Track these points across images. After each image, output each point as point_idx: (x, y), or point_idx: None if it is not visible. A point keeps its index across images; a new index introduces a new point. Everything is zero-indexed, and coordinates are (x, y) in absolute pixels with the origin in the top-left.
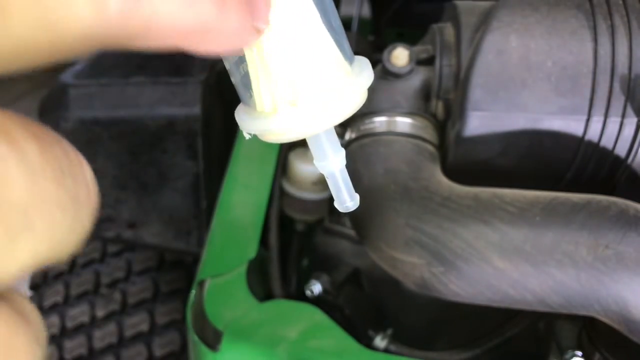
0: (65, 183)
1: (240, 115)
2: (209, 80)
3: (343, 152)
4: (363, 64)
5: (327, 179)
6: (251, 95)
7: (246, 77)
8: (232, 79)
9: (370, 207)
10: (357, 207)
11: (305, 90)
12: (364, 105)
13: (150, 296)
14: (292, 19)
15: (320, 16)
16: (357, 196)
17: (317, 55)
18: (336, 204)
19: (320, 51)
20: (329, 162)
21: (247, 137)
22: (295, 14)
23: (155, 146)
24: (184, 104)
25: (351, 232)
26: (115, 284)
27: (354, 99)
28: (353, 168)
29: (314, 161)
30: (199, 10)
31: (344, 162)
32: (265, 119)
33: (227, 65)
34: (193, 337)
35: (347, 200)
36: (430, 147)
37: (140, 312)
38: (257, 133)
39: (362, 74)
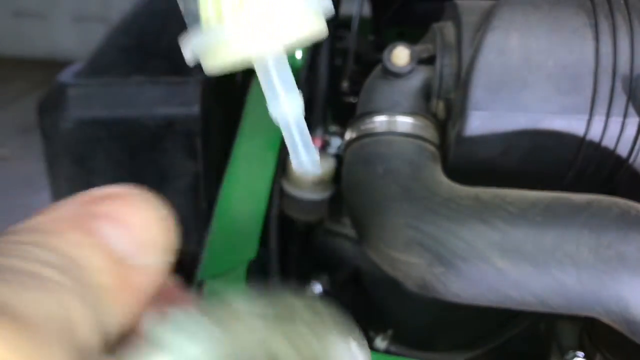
0: None
1: (185, 39)
2: (209, 80)
3: (299, 97)
4: None
5: (281, 129)
6: (197, 10)
7: None
8: (180, 6)
9: (370, 207)
10: (315, 169)
11: None
12: (364, 105)
13: None
14: None
15: None
16: (317, 155)
17: None
18: (292, 160)
19: None
20: (281, 104)
21: (191, 63)
22: None
23: (154, 146)
24: (184, 103)
25: (351, 233)
26: None
27: (302, 20)
28: (353, 168)
29: (267, 106)
30: None
31: (300, 109)
32: (208, 32)
33: None
34: None
35: (303, 156)
36: (430, 147)
37: None
38: (200, 51)
39: None
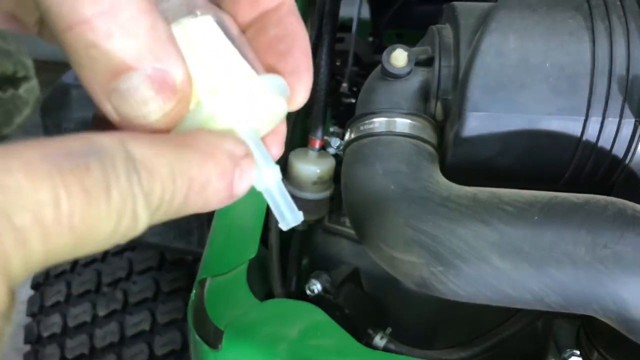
0: None
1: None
2: None
3: (277, 166)
4: (275, 77)
5: (264, 195)
6: None
7: None
8: None
9: (370, 207)
10: (298, 223)
11: (219, 82)
12: (363, 106)
13: (151, 295)
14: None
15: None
16: (300, 213)
17: (223, 57)
18: (279, 222)
19: (226, 54)
20: (262, 175)
21: None
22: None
23: None
24: None
25: (351, 232)
26: (116, 283)
27: (268, 102)
28: (352, 168)
29: None
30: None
31: (279, 176)
32: (187, 116)
33: None
34: (194, 336)
35: (287, 216)
36: (429, 148)
37: (142, 311)
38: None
39: (271, 79)
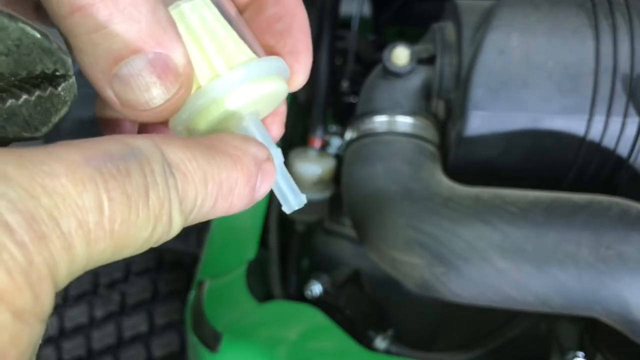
0: None
1: (172, 120)
2: None
3: (279, 149)
4: (275, 59)
5: None
6: None
7: None
8: None
9: (371, 207)
10: (302, 206)
11: (220, 66)
12: (364, 105)
13: (149, 297)
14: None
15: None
16: (303, 195)
17: (222, 39)
18: (283, 206)
19: (225, 36)
20: None
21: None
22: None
23: None
24: None
25: (351, 233)
26: (114, 285)
27: (269, 83)
28: (353, 168)
29: None
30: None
31: (281, 158)
32: (187, 102)
33: None
34: (192, 338)
35: (290, 199)
36: (431, 147)
37: (139, 312)
38: (185, 120)
39: (271, 61)
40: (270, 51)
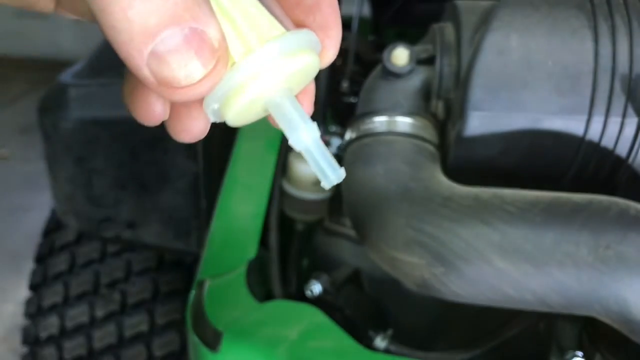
0: None
1: (205, 101)
2: None
3: (314, 124)
4: (306, 32)
5: (304, 155)
6: None
7: None
8: None
9: (370, 207)
10: (340, 180)
11: (252, 41)
12: (364, 105)
13: (149, 296)
14: None
15: None
16: (342, 169)
17: (252, 14)
18: (322, 181)
19: (255, 11)
20: (301, 135)
21: (212, 119)
22: None
23: (155, 146)
24: None
25: (351, 232)
26: (114, 284)
27: (302, 58)
28: (353, 168)
29: (288, 139)
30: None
31: (318, 133)
32: (221, 83)
33: None
34: (193, 338)
35: (329, 174)
36: (430, 147)
37: (140, 312)
38: (218, 103)
39: (303, 34)
40: (300, 26)
